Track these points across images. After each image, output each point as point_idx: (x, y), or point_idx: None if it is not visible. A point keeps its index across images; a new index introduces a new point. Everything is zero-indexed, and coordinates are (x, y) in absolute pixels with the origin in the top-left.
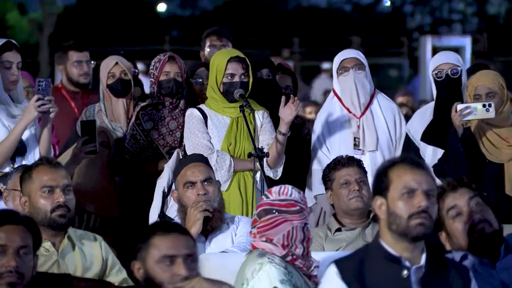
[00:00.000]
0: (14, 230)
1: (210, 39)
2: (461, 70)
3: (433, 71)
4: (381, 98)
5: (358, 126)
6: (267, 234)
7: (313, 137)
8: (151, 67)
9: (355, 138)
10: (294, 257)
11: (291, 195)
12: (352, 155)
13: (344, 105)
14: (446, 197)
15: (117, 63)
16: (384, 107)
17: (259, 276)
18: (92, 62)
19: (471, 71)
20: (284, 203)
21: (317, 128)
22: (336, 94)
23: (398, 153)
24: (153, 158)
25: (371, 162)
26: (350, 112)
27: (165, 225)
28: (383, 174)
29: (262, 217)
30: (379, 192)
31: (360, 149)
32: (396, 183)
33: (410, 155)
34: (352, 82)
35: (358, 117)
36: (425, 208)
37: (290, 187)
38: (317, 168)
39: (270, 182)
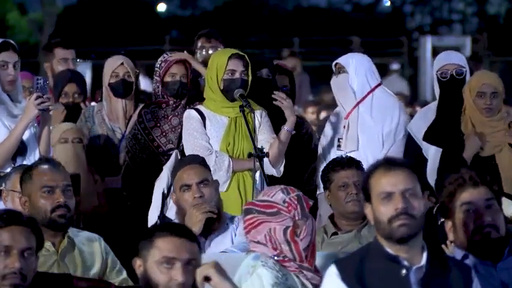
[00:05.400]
0: (18, 231)
1: (200, 41)
2: (465, 71)
3: (437, 71)
4: (379, 94)
5: (344, 127)
6: (250, 234)
7: (321, 136)
8: (156, 65)
9: (339, 139)
10: (286, 258)
11: (272, 197)
12: (352, 156)
13: None
14: (464, 190)
15: (122, 63)
16: (378, 104)
17: (252, 280)
18: (78, 60)
19: None
20: (262, 204)
21: (325, 127)
22: None
23: (386, 148)
24: (149, 162)
25: None
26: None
27: (172, 227)
28: (366, 181)
29: (245, 217)
30: (367, 199)
31: (341, 150)
32: (375, 189)
33: (386, 158)
34: (332, 86)
35: (345, 118)
36: (402, 210)
37: (279, 188)
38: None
39: (271, 181)
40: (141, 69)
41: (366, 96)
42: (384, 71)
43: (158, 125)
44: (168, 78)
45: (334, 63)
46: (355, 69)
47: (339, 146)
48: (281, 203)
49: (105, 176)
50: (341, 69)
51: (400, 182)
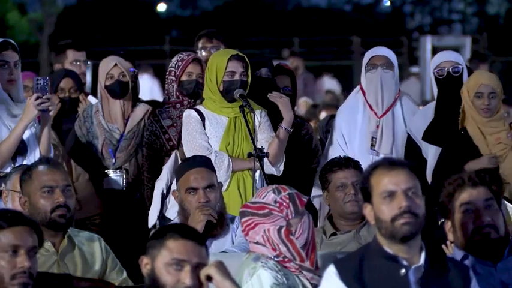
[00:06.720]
0: (25, 231)
1: (201, 42)
2: (462, 69)
3: (434, 69)
4: (405, 100)
5: (377, 126)
6: (249, 236)
7: (333, 131)
8: (171, 65)
9: (372, 137)
10: (286, 259)
11: (263, 198)
12: (349, 156)
13: (367, 102)
14: (463, 190)
15: (116, 64)
16: (407, 110)
17: (252, 281)
18: (88, 63)
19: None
20: (255, 206)
21: (337, 122)
22: (362, 90)
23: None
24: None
25: None
26: (372, 110)
27: (184, 229)
28: (366, 181)
29: (241, 219)
30: (367, 199)
31: (375, 150)
32: (376, 188)
33: (387, 157)
34: (378, 81)
35: (378, 117)
36: (406, 208)
37: (271, 189)
38: None
39: (271, 181)
40: (150, 70)
41: (396, 99)
42: None
43: (175, 124)
44: (184, 77)
45: (374, 55)
46: (396, 69)
47: (372, 145)
48: (272, 203)
49: (101, 177)
50: (387, 65)
51: (402, 181)
